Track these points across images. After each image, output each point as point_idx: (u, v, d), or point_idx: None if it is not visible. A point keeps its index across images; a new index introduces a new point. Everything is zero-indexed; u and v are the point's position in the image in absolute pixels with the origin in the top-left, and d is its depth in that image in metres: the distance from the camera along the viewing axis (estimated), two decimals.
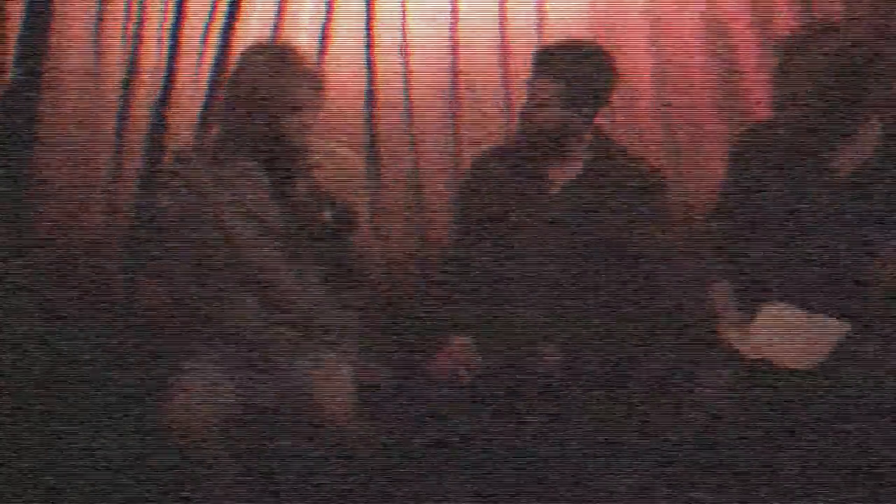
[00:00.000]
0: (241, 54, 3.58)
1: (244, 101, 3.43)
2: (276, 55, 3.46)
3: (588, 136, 3.64)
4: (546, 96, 3.55)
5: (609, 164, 3.65)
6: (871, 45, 3.33)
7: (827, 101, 3.30)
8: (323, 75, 3.52)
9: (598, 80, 3.58)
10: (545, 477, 3.41)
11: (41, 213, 4.21)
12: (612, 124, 4.16)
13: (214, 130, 3.64)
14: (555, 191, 3.64)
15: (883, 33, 4.06)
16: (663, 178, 3.75)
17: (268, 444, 3.53)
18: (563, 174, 3.64)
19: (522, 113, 3.65)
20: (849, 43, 3.29)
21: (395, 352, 3.83)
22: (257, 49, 3.54)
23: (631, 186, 3.63)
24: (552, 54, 3.60)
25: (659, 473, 3.36)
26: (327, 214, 3.43)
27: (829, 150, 3.38)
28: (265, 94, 3.39)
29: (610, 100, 3.65)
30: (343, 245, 3.48)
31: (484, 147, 3.92)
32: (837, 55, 3.27)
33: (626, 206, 3.61)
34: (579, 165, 3.64)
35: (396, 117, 4.27)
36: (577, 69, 3.55)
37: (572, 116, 3.57)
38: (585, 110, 3.59)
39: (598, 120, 3.67)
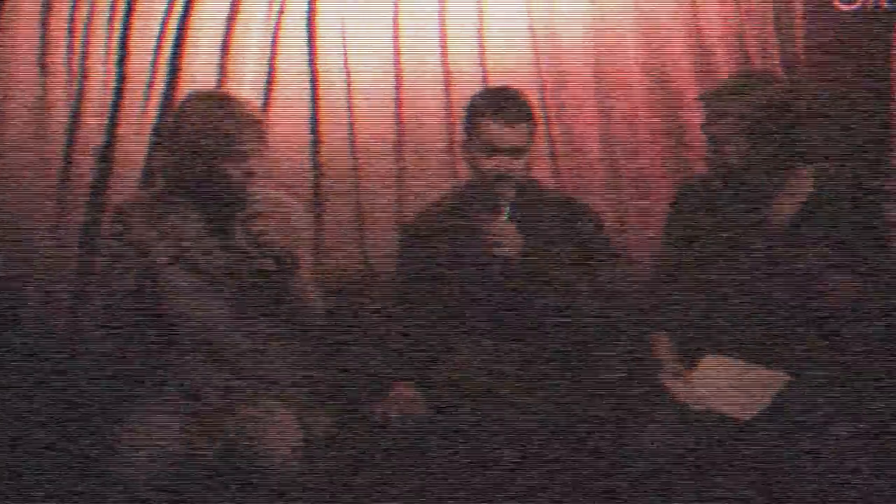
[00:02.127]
0: (182, 102, 3.60)
1: (186, 149, 3.44)
2: (217, 102, 3.48)
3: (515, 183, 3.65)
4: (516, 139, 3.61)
5: (542, 208, 3.70)
6: (798, 95, 3.41)
7: (756, 151, 3.36)
8: (264, 122, 3.54)
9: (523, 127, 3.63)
10: None
11: None
12: (559, 177, 4.23)
13: (157, 183, 3.64)
14: (492, 242, 3.61)
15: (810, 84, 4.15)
16: (600, 219, 3.79)
17: (213, 498, 3.49)
18: (497, 227, 3.62)
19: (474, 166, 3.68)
20: (775, 93, 3.36)
21: (339, 400, 3.83)
22: (199, 96, 3.56)
23: (566, 226, 3.69)
24: (484, 99, 3.67)
25: None
26: (269, 262, 3.43)
27: (761, 200, 3.43)
28: (207, 140, 3.41)
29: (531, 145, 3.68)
30: (285, 292, 3.48)
31: (427, 201, 3.95)
32: (764, 105, 3.34)
33: (561, 246, 3.66)
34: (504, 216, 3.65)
35: (341, 166, 4.30)
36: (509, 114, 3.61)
37: (503, 163, 3.62)
38: (514, 157, 3.62)
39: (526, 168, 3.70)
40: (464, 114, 3.73)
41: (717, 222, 3.49)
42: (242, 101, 3.54)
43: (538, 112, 3.75)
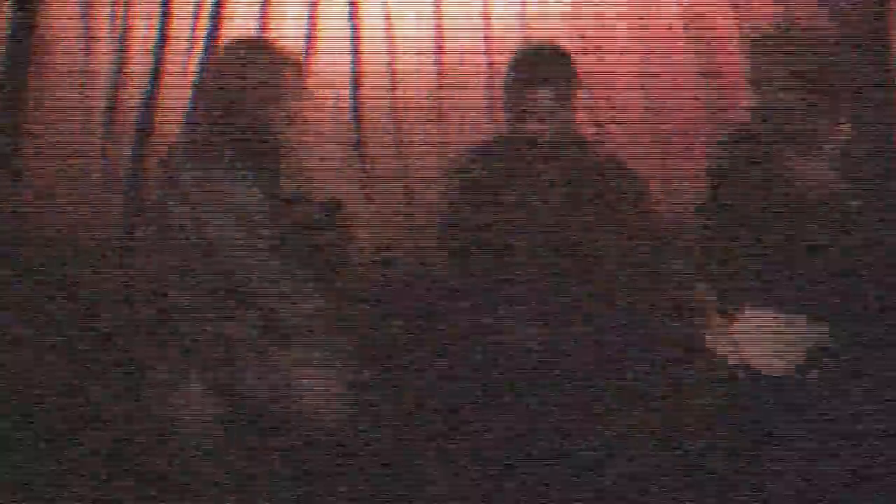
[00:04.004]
0: (223, 48, 3.69)
1: (227, 94, 3.48)
2: (257, 47, 3.55)
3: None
4: (536, 103, 3.59)
5: (591, 169, 3.69)
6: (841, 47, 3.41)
7: (804, 99, 3.37)
8: (304, 65, 3.63)
9: (568, 84, 3.64)
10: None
11: (28, 210, 4.22)
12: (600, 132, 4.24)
13: (200, 130, 3.66)
14: (542, 190, 3.67)
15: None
16: (645, 183, 3.79)
17: (258, 445, 3.52)
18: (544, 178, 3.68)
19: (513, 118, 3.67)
20: (820, 44, 3.38)
21: (385, 350, 3.87)
22: (238, 42, 3.63)
23: (613, 191, 3.68)
24: (533, 59, 3.65)
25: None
26: (315, 210, 3.46)
27: (806, 151, 3.44)
28: (248, 83, 3.45)
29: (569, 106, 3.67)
30: (331, 241, 3.52)
31: (468, 148, 3.94)
32: (809, 56, 3.35)
33: (608, 211, 3.66)
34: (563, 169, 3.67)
35: (383, 115, 4.30)
36: (555, 72, 3.61)
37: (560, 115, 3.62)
38: (564, 114, 3.63)
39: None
40: (504, 72, 3.69)
41: (761, 172, 3.50)
42: (281, 45, 3.61)
43: (576, 70, 3.71)
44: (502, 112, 3.76)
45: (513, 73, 3.63)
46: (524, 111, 3.59)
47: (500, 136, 3.78)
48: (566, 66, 3.65)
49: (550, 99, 3.58)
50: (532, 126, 3.59)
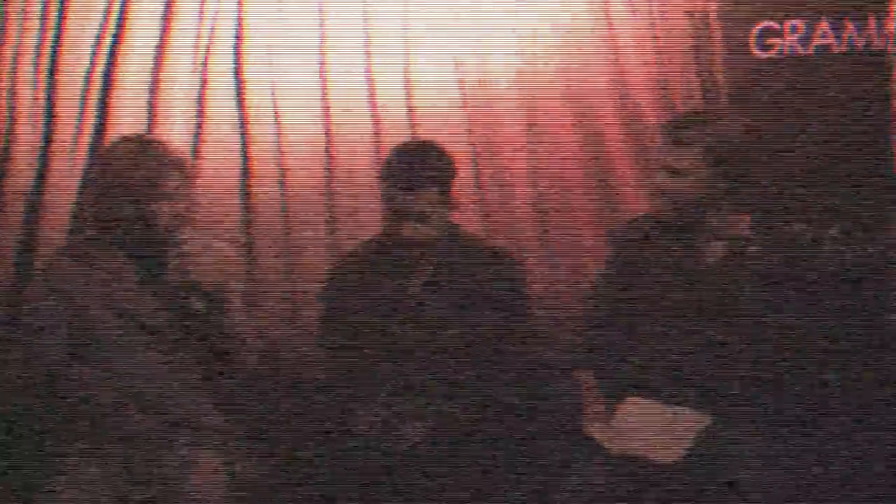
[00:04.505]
0: (108, 146, 3.66)
1: (113, 193, 3.47)
2: (142, 145, 3.53)
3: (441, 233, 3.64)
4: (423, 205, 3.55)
5: (464, 256, 3.66)
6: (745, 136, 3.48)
7: (705, 189, 3.41)
8: (189, 163, 3.59)
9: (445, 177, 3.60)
10: None
11: None
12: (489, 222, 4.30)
13: (86, 228, 3.64)
14: (415, 288, 3.65)
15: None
16: (522, 266, 3.80)
17: None
18: (421, 272, 3.66)
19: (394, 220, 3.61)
20: (727, 132, 3.42)
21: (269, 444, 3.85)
22: (124, 140, 3.61)
23: (489, 275, 3.64)
24: (409, 159, 3.59)
25: None
26: (197, 303, 3.45)
27: (699, 242, 3.48)
28: (133, 183, 3.44)
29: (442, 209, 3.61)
30: (215, 332, 3.50)
31: (354, 244, 3.93)
32: (717, 143, 3.39)
33: (483, 296, 3.63)
34: (434, 262, 3.65)
35: (272, 208, 4.32)
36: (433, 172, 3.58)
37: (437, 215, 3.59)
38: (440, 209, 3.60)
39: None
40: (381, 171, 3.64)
41: (652, 261, 3.53)
42: (167, 143, 3.59)
43: (453, 170, 3.63)
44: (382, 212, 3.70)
45: (389, 175, 3.58)
46: (401, 212, 3.55)
47: (381, 237, 3.74)
48: (445, 164, 3.61)
49: (429, 199, 3.54)
50: (410, 227, 3.56)
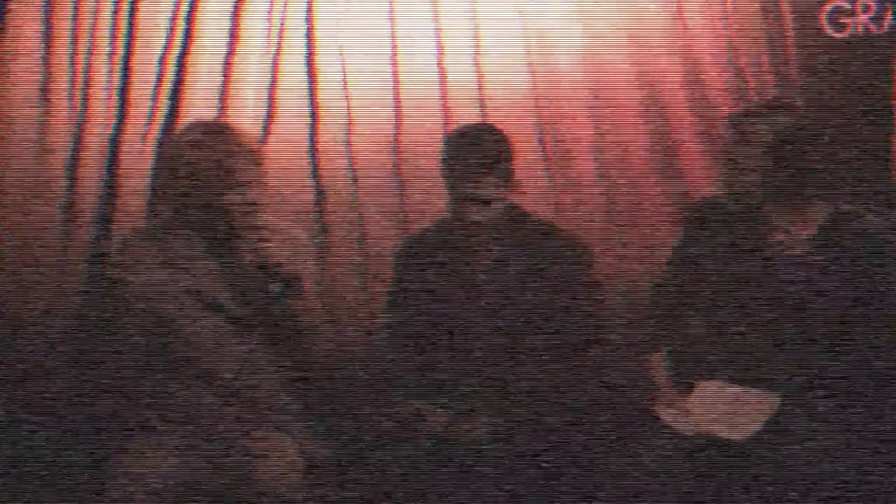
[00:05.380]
0: (180, 132, 3.61)
1: (186, 180, 3.44)
2: (214, 132, 3.47)
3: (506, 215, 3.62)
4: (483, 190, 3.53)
5: (532, 240, 3.64)
6: (818, 124, 3.43)
7: (775, 177, 3.38)
8: (261, 151, 3.52)
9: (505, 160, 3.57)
10: None
11: None
12: (556, 204, 4.28)
13: (161, 213, 3.65)
14: (484, 266, 3.64)
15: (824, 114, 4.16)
16: (589, 250, 3.73)
17: None
18: (492, 252, 3.64)
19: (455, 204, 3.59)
20: (797, 120, 3.40)
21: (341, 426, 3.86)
22: (195, 127, 3.56)
23: (556, 260, 3.62)
24: (469, 142, 3.56)
25: None
26: (275, 286, 3.45)
27: (773, 227, 3.44)
28: (205, 172, 3.40)
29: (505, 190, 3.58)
30: (292, 316, 3.49)
31: (422, 225, 3.92)
32: (787, 131, 3.37)
33: (553, 279, 3.60)
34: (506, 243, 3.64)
35: (342, 189, 4.35)
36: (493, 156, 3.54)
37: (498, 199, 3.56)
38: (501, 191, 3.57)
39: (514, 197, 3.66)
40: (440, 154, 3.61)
41: (723, 245, 3.51)
42: (239, 130, 3.52)
43: (511, 151, 3.58)
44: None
45: (447, 160, 3.56)
46: (466, 197, 3.53)
47: (444, 221, 3.72)
48: (503, 147, 3.58)
49: (491, 184, 3.52)
50: (475, 210, 3.54)
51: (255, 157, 3.47)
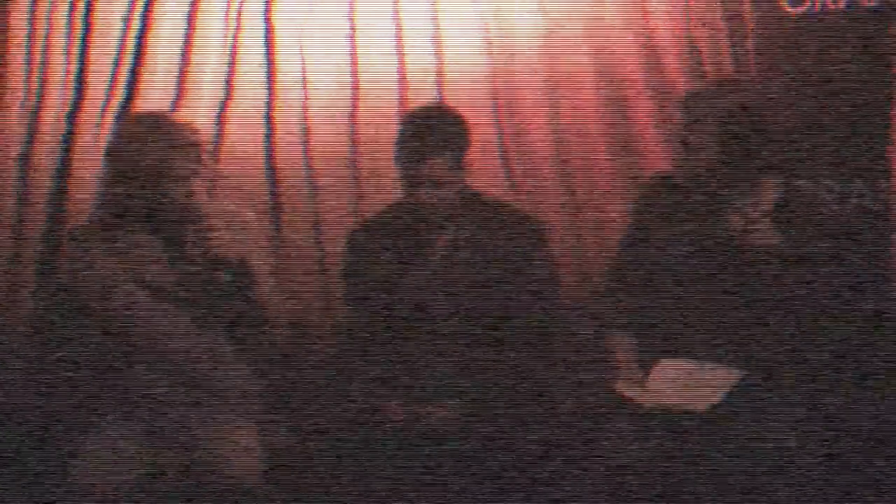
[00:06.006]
0: (119, 125, 3.63)
1: (128, 171, 3.42)
2: (154, 125, 3.44)
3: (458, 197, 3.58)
4: (436, 171, 3.49)
5: (486, 220, 3.61)
6: (769, 102, 3.43)
7: (727, 155, 3.38)
8: (204, 145, 3.49)
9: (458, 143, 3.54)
10: None
11: None
12: (513, 186, 4.26)
13: (109, 204, 3.64)
14: (439, 248, 3.61)
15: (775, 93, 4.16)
16: (543, 225, 3.70)
17: None
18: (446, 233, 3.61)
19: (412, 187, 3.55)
20: (748, 99, 3.40)
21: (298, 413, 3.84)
22: (137, 118, 3.58)
23: (510, 237, 3.58)
24: (425, 123, 3.52)
25: None
26: (224, 275, 3.44)
27: (726, 205, 3.44)
28: (146, 163, 3.38)
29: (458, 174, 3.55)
30: (243, 304, 3.49)
31: (368, 215, 3.89)
32: (738, 110, 3.37)
33: (508, 258, 3.57)
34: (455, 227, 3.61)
35: (297, 177, 4.32)
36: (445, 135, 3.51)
37: (451, 181, 3.53)
38: (457, 173, 3.54)
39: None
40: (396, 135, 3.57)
41: (678, 224, 3.51)
42: (180, 123, 3.49)
43: (467, 134, 3.55)
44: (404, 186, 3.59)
45: (401, 141, 3.52)
46: (418, 178, 3.49)
47: (397, 205, 3.69)
48: (457, 129, 3.54)
49: (442, 165, 3.48)
50: (426, 193, 3.50)
51: (197, 151, 3.44)
